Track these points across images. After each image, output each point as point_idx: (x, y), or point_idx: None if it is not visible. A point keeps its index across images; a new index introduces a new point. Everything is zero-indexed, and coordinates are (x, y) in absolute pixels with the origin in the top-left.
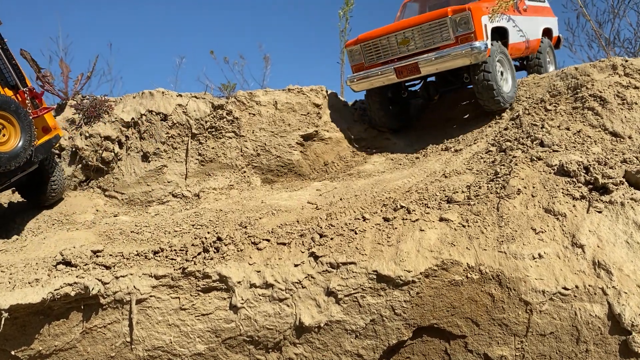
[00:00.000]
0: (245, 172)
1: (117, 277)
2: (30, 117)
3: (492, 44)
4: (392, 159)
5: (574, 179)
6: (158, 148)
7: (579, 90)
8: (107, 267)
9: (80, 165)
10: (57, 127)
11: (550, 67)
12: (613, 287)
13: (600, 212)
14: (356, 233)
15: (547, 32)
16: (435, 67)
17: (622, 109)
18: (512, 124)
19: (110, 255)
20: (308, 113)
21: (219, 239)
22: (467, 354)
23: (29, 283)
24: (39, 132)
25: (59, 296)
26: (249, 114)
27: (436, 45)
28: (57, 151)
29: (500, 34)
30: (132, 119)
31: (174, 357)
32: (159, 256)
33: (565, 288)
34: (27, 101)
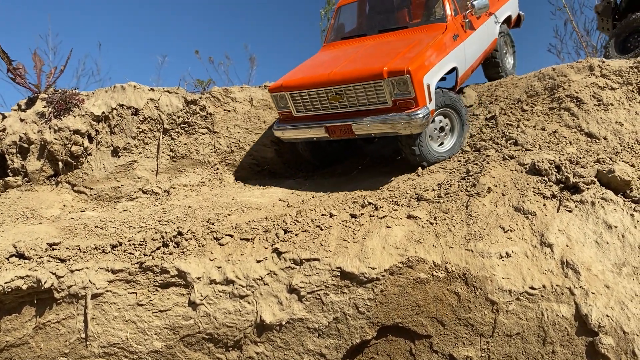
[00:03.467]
0: (218, 169)
1: (72, 271)
2: None
3: (435, 101)
4: (369, 157)
5: (546, 178)
6: (128, 143)
7: (556, 91)
8: (62, 260)
9: (48, 160)
10: None
11: (509, 59)
12: (581, 287)
13: (570, 211)
14: (322, 229)
15: (505, 20)
16: (371, 132)
17: (598, 110)
18: (488, 124)
19: (67, 248)
20: None
21: (180, 233)
22: (432, 355)
23: None
24: None
25: (9, 289)
26: (224, 110)
27: (371, 107)
28: None
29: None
30: (103, 113)
31: (130, 354)
32: (117, 250)
33: (532, 288)
34: None
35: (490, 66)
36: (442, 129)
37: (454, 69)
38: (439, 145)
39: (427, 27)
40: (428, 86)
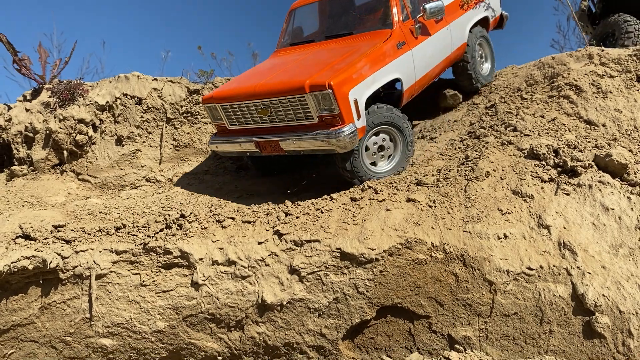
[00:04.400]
0: (220, 158)
1: (77, 252)
2: None
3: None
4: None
5: (544, 162)
6: (132, 132)
7: (555, 79)
8: (67, 242)
9: (53, 149)
10: None
11: (485, 64)
12: (577, 267)
13: (568, 194)
14: (322, 212)
15: (480, 22)
16: (298, 150)
17: (597, 97)
18: (488, 112)
19: (72, 230)
20: None
21: (183, 216)
22: (431, 335)
23: None
24: None
25: (16, 269)
26: None
27: (298, 122)
28: None
29: (390, 84)
30: (107, 102)
31: (134, 334)
32: (121, 232)
33: (529, 268)
34: None
35: (461, 74)
36: (381, 148)
37: (396, 81)
38: (378, 164)
39: (370, 34)
40: (355, 101)
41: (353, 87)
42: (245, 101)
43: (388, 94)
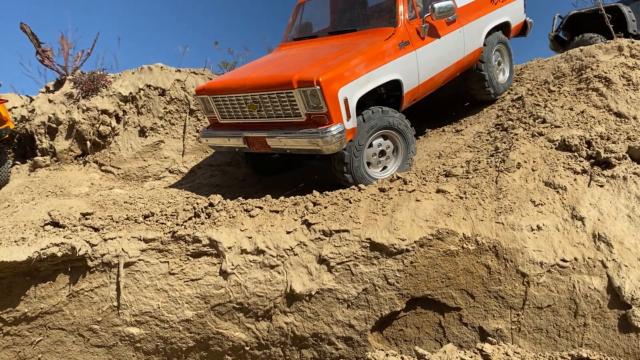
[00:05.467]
0: None
1: (105, 240)
2: None
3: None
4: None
5: (576, 154)
6: (155, 123)
7: (583, 72)
8: (96, 229)
9: (76, 139)
10: (9, 120)
11: (503, 72)
12: (613, 259)
13: (601, 186)
14: (350, 202)
15: (500, 27)
16: (285, 148)
17: (627, 89)
18: (515, 104)
19: (100, 218)
20: None
21: (211, 204)
22: (462, 327)
23: (15, 242)
24: None
25: (45, 256)
26: None
27: (287, 119)
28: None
29: (393, 86)
30: (130, 93)
31: (162, 323)
32: (149, 220)
33: (563, 260)
34: None
35: (474, 80)
36: (382, 153)
37: (395, 82)
38: (381, 170)
39: (373, 31)
40: (346, 100)
41: (344, 85)
42: (235, 94)
43: (390, 96)
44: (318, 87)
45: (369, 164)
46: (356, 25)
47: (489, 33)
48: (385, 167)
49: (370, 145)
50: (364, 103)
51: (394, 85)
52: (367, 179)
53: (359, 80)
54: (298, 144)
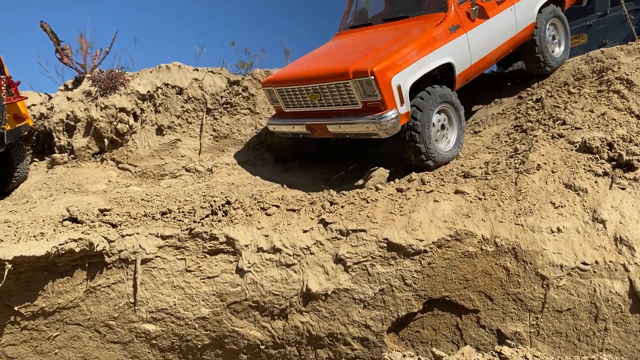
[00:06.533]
0: (259, 149)
1: (123, 236)
2: (4, 103)
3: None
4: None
5: (597, 156)
6: (173, 122)
7: (604, 74)
8: (114, 226)
9: (94, 137)
10: (28, 117)
11: (558, 48)
12: (635, 263)
13: (623, 188)
14: (368, 202)
15: (554, 0)
16: (344, 133)
17: None
18: (535, 106)
19: (118, 214)
20: None
21: (228, 202)
22: (479, 330)
23: (34, 237)
24: (10, 119)
25: (63, 251)
26: None
27: (345, 107)
28: (22, 142)
29: (446, 68)
30: (148, 91)
31: (178, 320)
32: (167, 217)
33: (584, 263)
34: (2, 88)
35: (528, 57)
36: (442, 127)
37: (447, 65)
38: (445, 145)
39: (425, 17)
40: (399, 87)
41: (397, 73)
42: (297, 85)
43: (444, 76)
44: (372, 77)
45: (435, 140)
46: (409, 12)
47: (543, 7)
48: (448, 141)
49: (433, 125)
50: (419, 85)
51: (447, 67)
52: (439, 153)
53: (412, 67)
54: (356, 129)
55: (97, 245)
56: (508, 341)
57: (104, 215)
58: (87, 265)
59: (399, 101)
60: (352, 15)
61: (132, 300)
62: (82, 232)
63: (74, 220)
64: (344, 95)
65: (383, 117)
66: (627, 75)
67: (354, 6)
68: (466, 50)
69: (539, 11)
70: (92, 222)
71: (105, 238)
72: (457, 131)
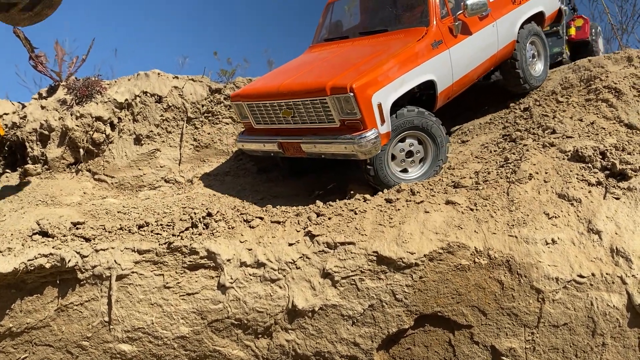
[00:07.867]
0: (241, 159)
1: (97, 251)
2: None
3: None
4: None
5: (590, 165)
6: (152, 131)
7: (592, 82)
8: (87, 240)
9: (69, 147)
10: (0, 126)
11: (537, 65)
12: (633, 275)
13: (617, 198)
14: (356, 213)
15: (534, 18)
16: (319, 153)
17: (638, 100)
18: (523, 115)
19: (92, 227)
20: None
21: (209, 214)
22: (473, 346)
23: (1, 252)
24: None
25: (32, 267)
26: None
27: (320, 125)
28: None
29: (426, 85)
30: (126, 100)
31: (155, 339)
32: (144, 230)
33: (580, 276)
34: None
35: (508, 74)
36: (410, 154)
37: (429, 82)
38: (405, 171)
39: (405, 31)
40: (379, 106)
41: (377, 90)
42: (269, 100)
43: (423, 95)
44: (352, 94)
45: (393, 156)
46: (387, 26)
47: (524, 24)
48: (409, 170)
49: (403, 140)
50: (398, 104)
51: (428, 85)
52: (392, 178)
53: (393, 84)
54: (332, 149)
55: (69, 261)
56: (503, 358)
57: (77, 228)
58: (58, 282)
59: (380, 120)
60: (326, 27)
61: (106, 319)
62: (53, 247)
63: (44, 234)
64: (320, 113)
65: (362, 137)
66: (615, 83)
67: (329, 18)
68: (448, 67)
69: (521, 27)
70: (64, 236)
71: (78, 253)
72: (429, 163)
